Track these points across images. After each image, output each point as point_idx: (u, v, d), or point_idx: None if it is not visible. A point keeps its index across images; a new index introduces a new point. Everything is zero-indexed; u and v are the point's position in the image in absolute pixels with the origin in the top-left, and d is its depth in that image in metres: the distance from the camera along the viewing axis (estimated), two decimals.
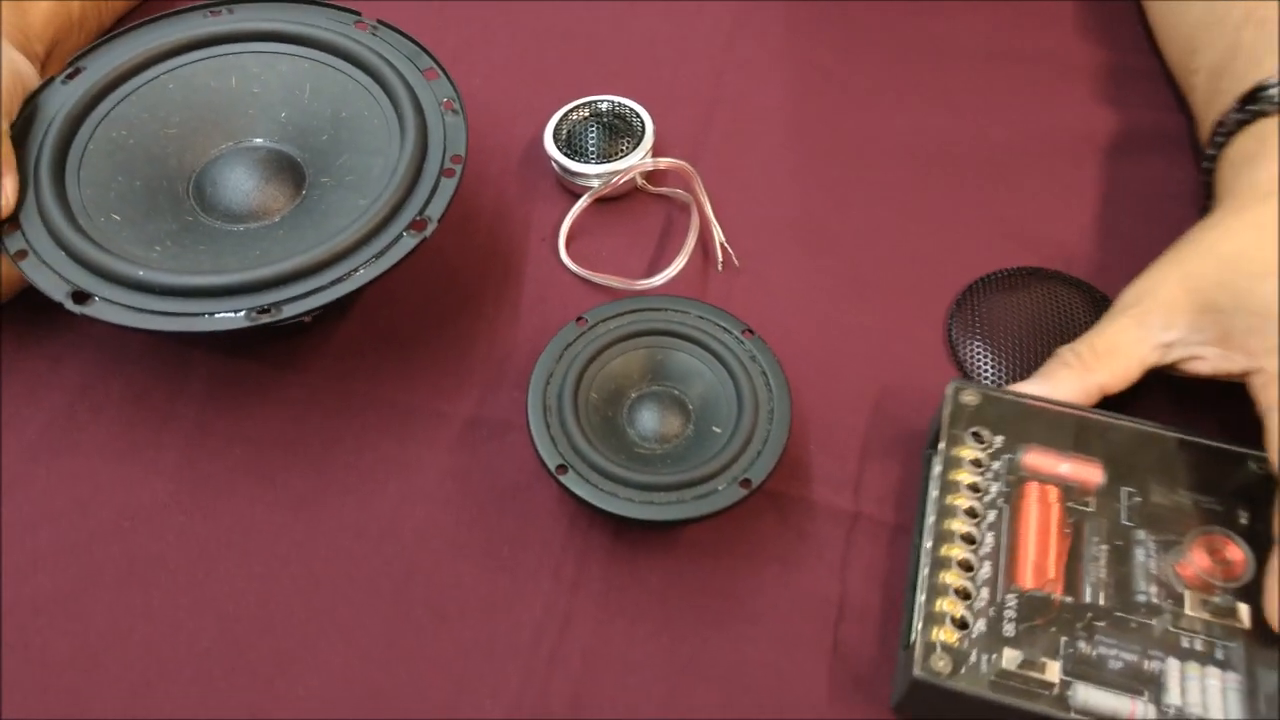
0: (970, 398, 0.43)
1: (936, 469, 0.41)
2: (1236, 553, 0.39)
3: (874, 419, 0.46)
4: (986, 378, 0.47)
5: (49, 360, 0.48)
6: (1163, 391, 0.46)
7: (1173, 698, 0.37)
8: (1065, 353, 0.45)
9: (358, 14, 0.50)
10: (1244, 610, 0.38)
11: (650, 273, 0.51)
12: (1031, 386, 0.44)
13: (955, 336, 0.49)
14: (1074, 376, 0.44)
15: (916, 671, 0.36)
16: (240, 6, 0.51)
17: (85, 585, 0.42)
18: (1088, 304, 0.49)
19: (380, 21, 0.50)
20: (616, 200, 0.54)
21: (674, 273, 0.50)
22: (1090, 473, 0.41)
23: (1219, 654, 0.38)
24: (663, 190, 0.54)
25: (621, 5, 0.64)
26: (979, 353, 0.48)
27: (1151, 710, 0.36)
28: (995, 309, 0.49)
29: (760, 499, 0.43)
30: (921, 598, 0.38)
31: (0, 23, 0.48)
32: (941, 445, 0.42)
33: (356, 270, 0.42)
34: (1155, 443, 0.42)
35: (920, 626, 0.37)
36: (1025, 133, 0.57)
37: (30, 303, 0.47)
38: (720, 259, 0.52)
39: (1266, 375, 0.41)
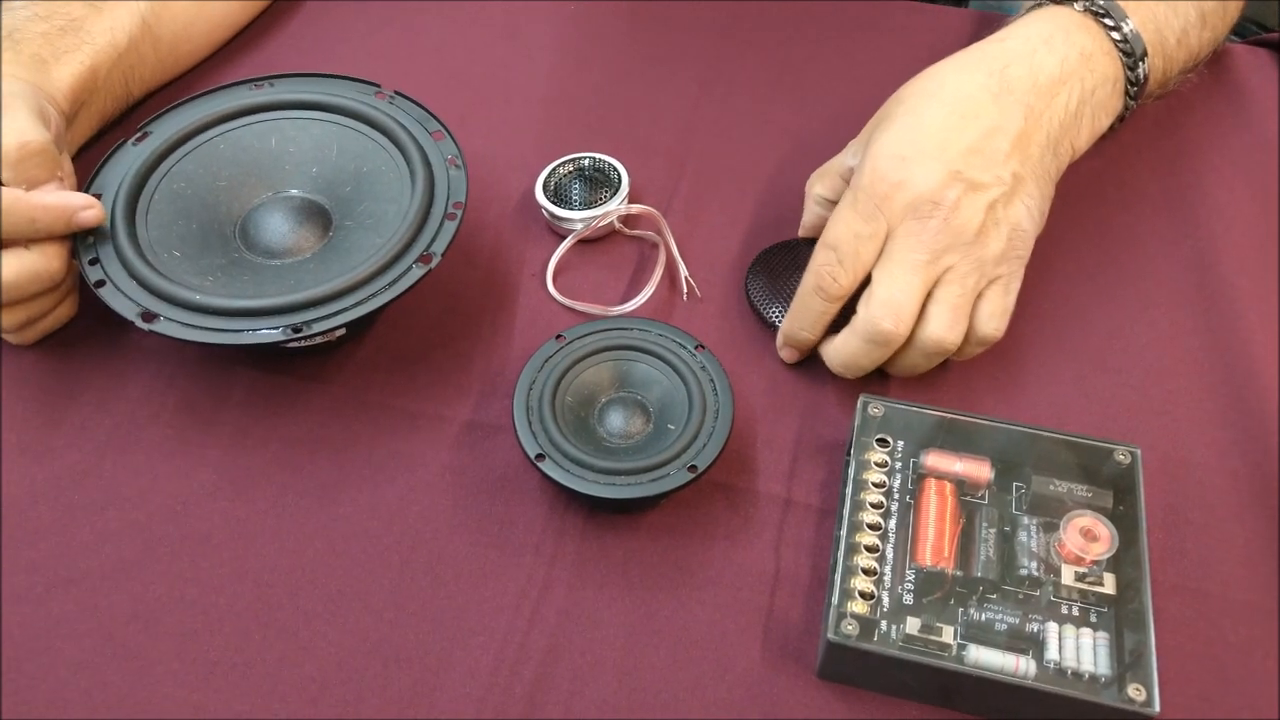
0: (877, 410, 0.48)
1: (851, 470, 0.47)
2: (1104, 531, 0.44)
3: (807, 422, 0.53)
4: None
5: (115, 376, 0.55)
6: (1047, 398, 0.53)
7: (1051, 654, 0.41)
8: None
9: (378, 85, 0.58)
10: (1110, 579, 0.43)
11: (623, 301, 0.58)
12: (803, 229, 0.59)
13: None
14: (808, 207, 0.57)
15: (829, 635, 0.41)
16: (280, 80, 0.58)
17: (145, 556, 0.48)
18: None
19: (397, 92, 0.57)
20: (596, 241, 0.61)
21: (642, 300, 0.57)
22: (980, 469, 0.47)
23: (1092, 617, 0.43)
24: (636, 232, 0.61)
25: (601, 75, 0.71)
26: None
27: (1033, 665, 0.41)
28: None
29: (711, 488, 0.50)
30: (837, 576, 0.43)
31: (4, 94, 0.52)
32: (853, 451, 0.48)
33: (373, 295, 0.49)
34: (1037, 441, 0.47)
35: (835, 600, 0.43)
36: None
37: (99, 328, 0.55)
38: (685, 289, 0.58)
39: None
